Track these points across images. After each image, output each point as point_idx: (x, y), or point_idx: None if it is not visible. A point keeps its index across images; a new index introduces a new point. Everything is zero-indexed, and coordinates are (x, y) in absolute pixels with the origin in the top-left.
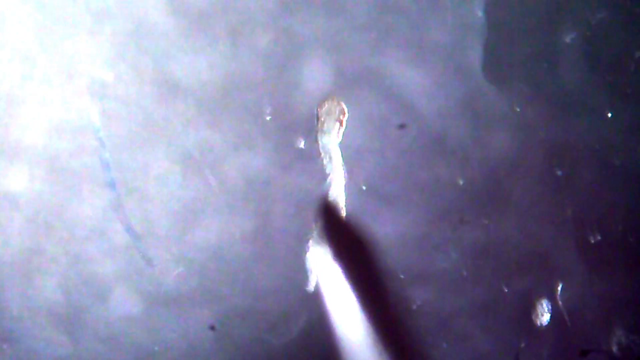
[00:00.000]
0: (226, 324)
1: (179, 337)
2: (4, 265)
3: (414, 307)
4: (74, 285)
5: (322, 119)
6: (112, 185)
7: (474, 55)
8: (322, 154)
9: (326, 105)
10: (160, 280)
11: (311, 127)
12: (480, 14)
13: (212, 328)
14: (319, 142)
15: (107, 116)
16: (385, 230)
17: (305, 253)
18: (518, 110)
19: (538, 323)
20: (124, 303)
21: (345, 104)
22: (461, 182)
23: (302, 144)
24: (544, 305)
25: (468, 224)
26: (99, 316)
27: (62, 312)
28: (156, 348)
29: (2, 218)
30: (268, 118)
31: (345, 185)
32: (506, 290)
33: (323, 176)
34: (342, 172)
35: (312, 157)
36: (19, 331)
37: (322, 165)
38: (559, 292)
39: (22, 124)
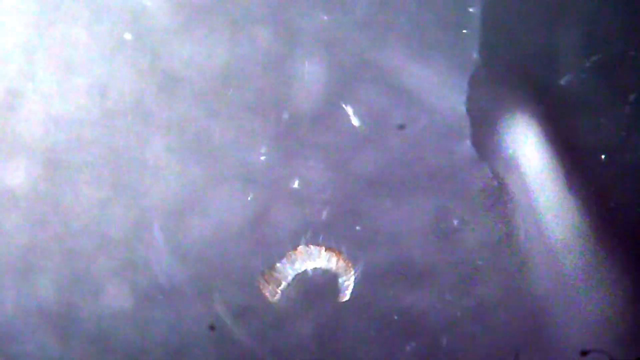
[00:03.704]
0: (224, 322)
1: (175, 335)
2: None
3: (418, 306)
4: (68, 282)
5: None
6: None
7: (473, 52)
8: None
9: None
10: (156, 276)
11: (311, 121)
12: (478, 10)
13: (212, 328)
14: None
15: (105, 109)
16: (389, 221)
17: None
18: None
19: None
20: (118, 299)
21: (345, 98)
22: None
23: (301, 136)
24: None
25: (468, 224)
26: (92, 314)
27: (54, 311)
28: (150, 346)
29: None
30: (262, 158)
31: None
32: (507, 290)
33: (323, 168)
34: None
35: (312, 149)
36: (11, 334)
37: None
38: (560, 292)
39: (19, 118)
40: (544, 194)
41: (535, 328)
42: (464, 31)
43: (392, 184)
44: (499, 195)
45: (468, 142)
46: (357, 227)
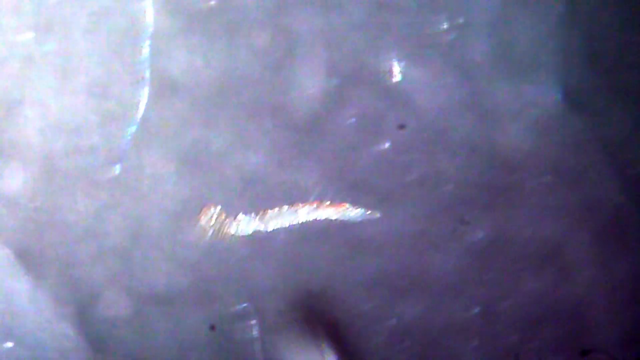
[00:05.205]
0: (222, 324)
1: (174, 342)
2: None
3: (411, 313)
4: (66, 289)
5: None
6: None
7: (473, 53)
8: None
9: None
10: (154, 284)
11: (307, 126)
12: (479, 10)
13: (212, 328)
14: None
15: (102, 115)
16: (380, 229)
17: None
18: (518, 108)
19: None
20: (115, 307)
21: (343, 101)
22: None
23: (297, 142)
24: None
25: (468, 224)
26: (90, 321)
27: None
28: (148, 353)
29: None
30: (259, 164)
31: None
32: (507, 292)
33: (321, 174)
34: None
35: (310, 155)
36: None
37: None
38: (560, 293)
39: (16, 124)
40: None
41: (535, 328)
42: (463, 32)
43: (387, 188)
44: (497, 196)
45: (466, 143)
46: (351, 235)
